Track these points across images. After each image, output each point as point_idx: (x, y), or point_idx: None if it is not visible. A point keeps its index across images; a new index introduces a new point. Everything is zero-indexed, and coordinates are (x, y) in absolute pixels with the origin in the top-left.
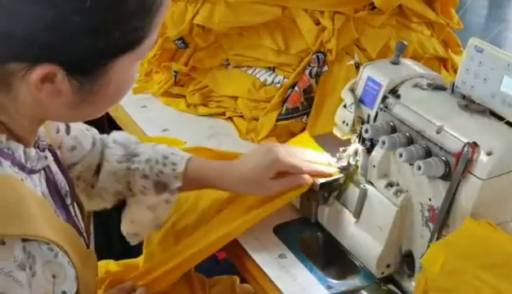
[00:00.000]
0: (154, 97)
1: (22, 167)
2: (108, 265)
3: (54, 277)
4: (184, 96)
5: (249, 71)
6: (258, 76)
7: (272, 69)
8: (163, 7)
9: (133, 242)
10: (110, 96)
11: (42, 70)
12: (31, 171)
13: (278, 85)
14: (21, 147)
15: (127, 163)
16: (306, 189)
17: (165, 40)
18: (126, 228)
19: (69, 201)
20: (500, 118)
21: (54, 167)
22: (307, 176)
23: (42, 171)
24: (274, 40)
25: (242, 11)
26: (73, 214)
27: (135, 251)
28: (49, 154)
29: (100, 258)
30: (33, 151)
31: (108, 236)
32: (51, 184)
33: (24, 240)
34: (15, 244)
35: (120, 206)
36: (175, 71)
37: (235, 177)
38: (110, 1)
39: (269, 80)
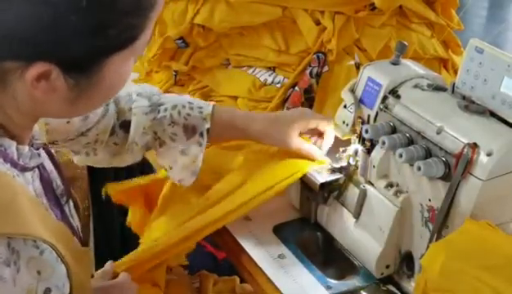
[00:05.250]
0: None
1: (15, 164)
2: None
3: (39, 273)
4: None
5: (250, 71)
6: (258, 76)
7: (273, 68)
8: (157, 5)
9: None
10: (104, 92)
11: (38, 69)
12: (23, 169)
13: (278, 85)
14: (14, 144)
15: (153, 114)
16: (300, 175)
17: (165, 39)
18: (170, 174)
19: (64, 200)
20: (500, 119)
21: (49, 166)
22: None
23: (37, 170)
24: (274, 40)
25: (242, 10)
26: (67, 213)
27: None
28: (43, 152)
29: (99, 257)
30: (26, 148)
31: (108, 235)
32: (45, 182)
33: (9, 237)
34: (0, 241)
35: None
36: (175, 71)
37: (263, 119)
38: (106, 0)
39: (269, 80)
